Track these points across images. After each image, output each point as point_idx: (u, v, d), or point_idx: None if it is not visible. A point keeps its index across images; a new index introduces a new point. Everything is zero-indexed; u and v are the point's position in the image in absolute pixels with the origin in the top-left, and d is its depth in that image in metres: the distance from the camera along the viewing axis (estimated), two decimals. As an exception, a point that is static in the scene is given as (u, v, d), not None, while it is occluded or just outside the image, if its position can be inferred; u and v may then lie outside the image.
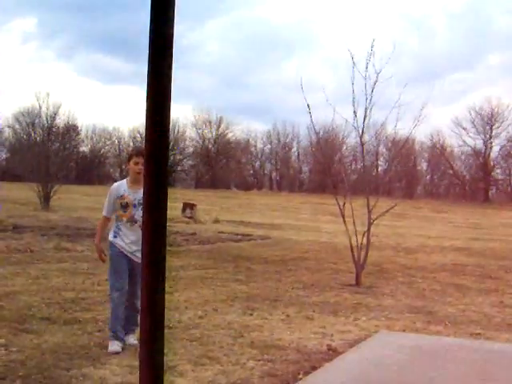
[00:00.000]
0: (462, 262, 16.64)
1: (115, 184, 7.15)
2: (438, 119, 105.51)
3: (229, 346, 6.70)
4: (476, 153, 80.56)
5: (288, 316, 8.48)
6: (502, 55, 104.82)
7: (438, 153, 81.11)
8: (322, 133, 52.46)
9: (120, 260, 6.77)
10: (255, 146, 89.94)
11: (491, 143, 79.93)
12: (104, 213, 7.01)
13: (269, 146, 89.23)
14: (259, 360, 6.19)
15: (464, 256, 18.02)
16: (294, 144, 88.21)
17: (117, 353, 6.29)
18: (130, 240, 6.75)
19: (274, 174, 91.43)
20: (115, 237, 6.84)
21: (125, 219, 6.81)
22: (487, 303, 10.42)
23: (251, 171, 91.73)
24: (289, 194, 68.28)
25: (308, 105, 12.68)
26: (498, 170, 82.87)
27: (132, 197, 6.81)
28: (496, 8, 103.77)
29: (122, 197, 6.84)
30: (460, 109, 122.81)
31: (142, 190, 4.60)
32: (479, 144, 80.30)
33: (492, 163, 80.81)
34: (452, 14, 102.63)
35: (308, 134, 68.23)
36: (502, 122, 78.89)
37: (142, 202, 6.03)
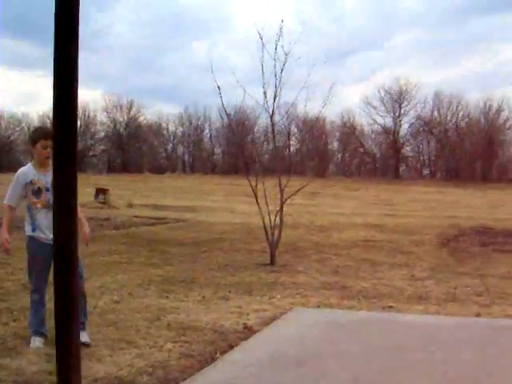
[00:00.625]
0: (373, 237, 17.03)
1: (22, 169, 6.41)
2: (348, 98, 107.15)
3: (146, 329, 6.72)
4: (386, 131, 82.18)
5: (204, 297, 8.55)
6: (409, 34, 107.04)
7: (349, 131, 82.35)
8: (233, 114, 52.77)
9: (41, 255, 6.05)
10: (167, 129, 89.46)
11: (400, 121, 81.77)
12: (8, 201, 6.28)
13: (181, 129, 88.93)
14: (176, 342, 6.24)
15: (376, 232, 18.44)
16: (206, 126, 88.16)
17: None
18: (50, 228, 6.04)
19: (186, 157, 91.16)
20: (34, 230, 6.22)
21: (39, 205, 6.18)
22: (399, 277, 10.73)
23: (164, 154, 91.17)
24: (202, 177, 68.22)
25: (218, 86, 12.73)
26: (408, 148, 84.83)
27: (44, 180, 6.20)
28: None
29: (32, 182, 6.20)
30: (370, 88, 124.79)
31: (51, 173, 4.44)
32: (389, 122, 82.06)
33: (401, 141, 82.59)
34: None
35: (220, 115, 68.62)
36: (410, 101, 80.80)
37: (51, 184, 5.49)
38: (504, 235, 17.58)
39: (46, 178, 6.16)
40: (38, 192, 6.23)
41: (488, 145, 76.21)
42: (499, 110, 78.04)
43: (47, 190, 6.19)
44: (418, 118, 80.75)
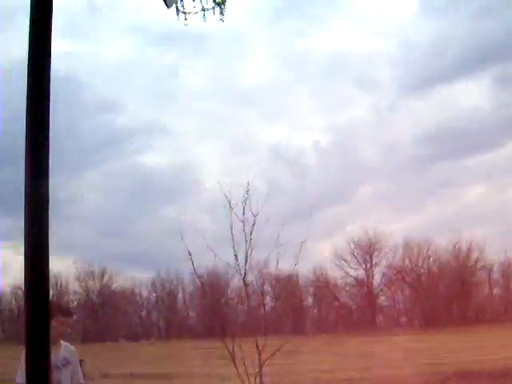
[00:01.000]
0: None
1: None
2: (319, 253, 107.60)
3: None
4: (359, 282, 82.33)
5: None
6: (372, 186, 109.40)
7: (323, 286, 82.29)
8: (206, 277, 52.74)
9: None
10: (140, 295, 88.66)
11: (373, 272, 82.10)
12: (19, 380, 5.61)
13: (154, 294, 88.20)
14: None
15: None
16: (180, 290, 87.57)
17: None
18: None
19: (161, 322, 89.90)
20: None
21: None
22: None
23: (138, 321, 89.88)
24: (178, 341, 67.05)
25: (189, 252, 12.80)
26: (383, 297, 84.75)
27: (55, 358, 5.39)
28: (363, 141, 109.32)
29: None
30: (339, 241, 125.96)
31: (62, 350, 4.48)
32: (361, 274, 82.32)
33: (376, 291, 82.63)
34: (322, 150, 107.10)
35: (192, 279, 68.47)
36: (380, 251, 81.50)
37: (65, 362, 5.50)
38: (488, 377, 17.38)
39: (56, 356, 5.72)
40: None
41: (461, 287, 76.52)
42: (469, 252, 78.96)
43: (58, 368, 5.82)
44: (390, 267, 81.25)
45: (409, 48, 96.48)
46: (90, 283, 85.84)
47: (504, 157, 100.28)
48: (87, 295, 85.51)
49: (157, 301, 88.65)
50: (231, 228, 12.68)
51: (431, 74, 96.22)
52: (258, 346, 12.34)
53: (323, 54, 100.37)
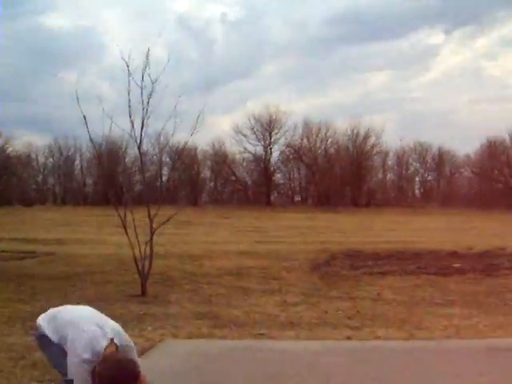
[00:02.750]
0: (246, 265, 17.03)
1: None
2: (219, 127, 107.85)
3: (9, 368, 6.40)
4: (257, 159, 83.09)
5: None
6: (278, 64, 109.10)
7: (221, 160, 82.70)
8: (104, 145, 51.96)
9: None
10: (37, 160, 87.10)
11: (271, 149, 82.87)
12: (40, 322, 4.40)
13: (51, 160, 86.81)
14: (41, 381, 5.97)
15: (248, 259, 18.46)
16: (77, 157, 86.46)
17: None
18: None
19: (57, 189, 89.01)
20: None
21: None
22: (271, 303, 10.75)
23: (34, 186, 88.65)
24: (73, 208, 66.71)
25: (84, 116, 12.42)
26: (279, 175, 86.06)
27: None
28: (272, 19, 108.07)
29: None
30: (240, 116, 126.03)
31: None
32: (260, 150, 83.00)
33: (272, 168, 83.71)
34: (230, 23, 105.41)
35: (90, 146, 67.56)
36: (280, 129, 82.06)
37: None
38: (373, 258, 17.99)
39: None
40: None
41: (356, 170, 78.48)
42: (366, 137, 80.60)
43: None
44: (288, 145, 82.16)
45: None
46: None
47: (408, 46, 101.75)
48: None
49: (53, 166, 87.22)
50: (128, 94, 12.33)
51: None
52: (149, 215, 12.31)
53: None
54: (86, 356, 3.91)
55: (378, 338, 7.75)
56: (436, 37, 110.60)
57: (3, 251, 21.31)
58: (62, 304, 10.53)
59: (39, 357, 6.91)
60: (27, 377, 6.10)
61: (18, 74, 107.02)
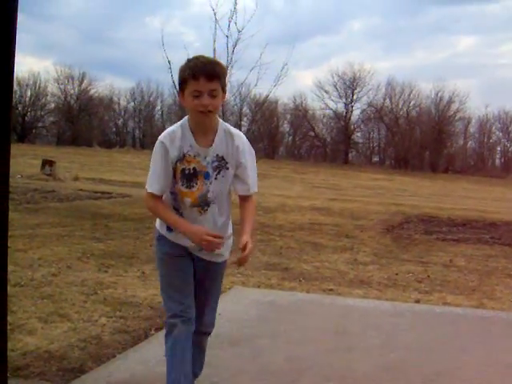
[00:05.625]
0: (319, 221, 17.03)
1: (168, 132, 3.72)
2: (301, 82, 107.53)
3: (81, 303, 6.58)
4: (337, 116, 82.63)
5: (143, 273, 8.42)
6: (364, 21, 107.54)
7: (301, 115, 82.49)
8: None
9: (179, 264, 3.84)
10: (118, 104, 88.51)
11: (352, 107, 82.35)
12: (152, 188, 3.75)
13: (132, 104, 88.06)
14: (111, 317, 6.12)
15: (322, 215, 18.46)
16: (158, 102, 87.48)
17: None
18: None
19: (137, 133, 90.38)
20: (170, 229, 3.83)
21: (189, 201, 3.72)
22: (341, 261, 10.73)
23: (114, 129, 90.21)
24: (151, 152, 67.57)
25: (169, 61, 12.55)
26: (359, 134, 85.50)
27: (203, 157, 3.67)
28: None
29: (184, 157, 3.66)
30: (323, 72, 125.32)
31: (217, 145, 3.68)
32: (341, 107, 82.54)
33: (352, 127, 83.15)
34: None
35: (172, 92, 68.11)
36: (363, 87, 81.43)
37: (218, 164, 3.69)
38: (448, 224, 17.76)
39: (208, 154, 3.68)
40: (191, 177, 3.69)
41: (437, 135, 77.23)
42: (450, 102, 79.19)
43: (207, 175, 3.70)
44: (370, 104, 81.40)
45: None
46: (69, 87, 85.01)
47: (499, 10, 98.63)
48: (65, 98, 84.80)
49: (134, 110, 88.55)
50: (214, 41, 12.36)
51: None
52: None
53: None
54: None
55: (446, 303, 7.67)
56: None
57: (80, 190, 21.84)
58: (134, 244, 10.77)
59: (110, 293, 7.11)
60: (98, 312, 6.26)
61: (105, 17, 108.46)
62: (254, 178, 3.90)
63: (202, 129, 3.70)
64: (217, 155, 3.71)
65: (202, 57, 3.65)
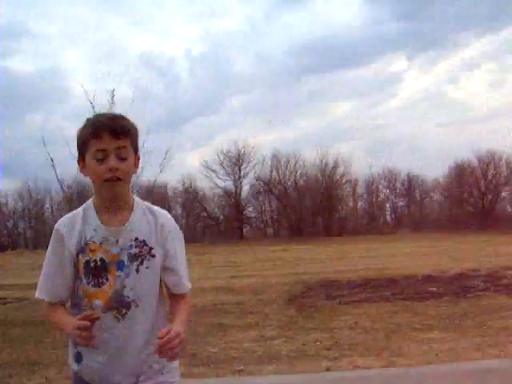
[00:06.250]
0: (222, 301, 16.89)
1: (66, 217, 3.01)
2: (189, 163, 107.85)
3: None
4: (227, 193, 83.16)
5: (47, 379, 8.10)
6: (244, 97, 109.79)
7: (191, 197, 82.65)
8: (74, 186, 51.58)
9: None
10: (6, 205, 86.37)
11: (241, 183, 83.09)
12: (41, 294, 2.99)
13: (21, 204, 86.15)
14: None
15: (224, 295, 18.33)
16: (47, 200, 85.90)
17: None
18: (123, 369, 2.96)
19: (28, 233, 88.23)
20: (79, 360, 2.97)
21: (100, 303, 2.88)
22: (248, 339, 10.63)
23: (5, 231, 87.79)
24: (45, 251, 66.00)
25: (51, 158, 12.39)
26: (250, 209, 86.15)
27: (113, 242, 2.88)
28: (236, 52, 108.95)
29: (87, 246, 2.88)
30: (209, 152, 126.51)
31: (135, 224, 2.91)
32: (230, 185, 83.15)
33: (243, 202, 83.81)
34: (194, 59, 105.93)
35: (59, 188, 67.22)
36: (249, 162, 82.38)
37: (139, 251, 2.91)
38: (349, 287, 17.96)
39: (121, 237, 2.90)
40: (98, 271, 2.87)
41: (327, 200, 78.78)
42: (335, 167, 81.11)
43: (121, 266, 2.88)
44: (258, 178, 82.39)
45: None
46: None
47: (371, 74, 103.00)
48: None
49: (23, 210, 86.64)
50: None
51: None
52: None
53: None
54: None
55: (357, 367, 7.69)
56: (399, 63, 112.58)
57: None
58: (36, 349, 10.37)
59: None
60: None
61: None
62: (186, 271, 3.18)
63: (111, 204, 2.87)
64: (135, 239, 2.89)
65: (106, 113, 3.21)
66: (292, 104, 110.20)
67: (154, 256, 2.96)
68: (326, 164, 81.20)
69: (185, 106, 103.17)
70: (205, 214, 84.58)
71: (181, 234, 3.22)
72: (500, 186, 76.77)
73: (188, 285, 3.21)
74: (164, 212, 3.19)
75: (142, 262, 2.93)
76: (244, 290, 19.49)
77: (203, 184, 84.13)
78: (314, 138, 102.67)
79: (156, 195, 64.67)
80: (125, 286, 2.89)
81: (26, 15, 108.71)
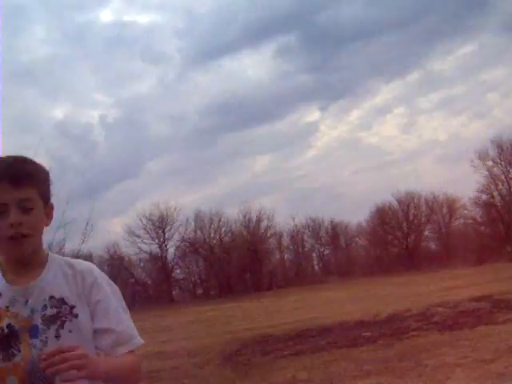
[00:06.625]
0: (156, 367, 16.52)
1: None
2: (112, 230, 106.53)
3: None
4: (153, 257, 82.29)
5: None
6: (162, 160, 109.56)
7: (117, 264, 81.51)
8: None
9: None
10: None
11: (166, 246, 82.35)
12: None
13: None
14: None
15: (158, 360, 17.94)
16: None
17: None
18: None
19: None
20: None
21: (14, 380, 2.27)
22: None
23: None
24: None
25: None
26: (178, 270, 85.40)
27: (22, 303, 2.37)
28: (150, 114, 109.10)
29: None
30: (131, 217, 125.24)
31: (48, 279, 2.41)
32: (155, 248, 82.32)
33: (170, 265, 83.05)
34: (110, 125, 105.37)
35: None
36: (172, 224, 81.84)
37: (56, 311, 2.37)
38: (284, 340, 17.84)
39: (32, 296, 2.40)
40: (7, 341, 2.31)
41: (254, 255, 78.76)
42: (259, 221, 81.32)
43: (35, 333, 2.35)
44: (183, 240, 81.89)
45: (193, 20, 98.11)
46: None
47: (287, 126, 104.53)
48: None
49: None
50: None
51: (216, 46, 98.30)
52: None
53: (105, 26, 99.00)
54: None
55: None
56: (313, 114, 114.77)
57: None
58: None
59: None
60: None
61: None
62: (127, 322, 2.60)
63: (17, 263, 2.42)
64: (50, 297, 2.37)
65: (5, 156, 2.46)
66: (212, 162, 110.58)
67: (76, 316, 2.38)
68: (250, 219, 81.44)
69: (104, 172, 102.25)
70: (132, 281, 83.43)
71: (109, 281, 2.65)
72: (422, 225, 78.33)
73: (135, 339, 2.60)
74: (85, 262, 2.63)
75: (62, 326, 2.35)
76: (178, 353, 19.15)
77: (128, 250, 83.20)
78: (236, 194, 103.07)
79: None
80: (31, 359, 2.27)
81: None
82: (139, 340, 2.63)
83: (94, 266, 2.64)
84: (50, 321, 2.35)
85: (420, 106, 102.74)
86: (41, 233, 2.49)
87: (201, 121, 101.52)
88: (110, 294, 2.58)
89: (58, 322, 2.36)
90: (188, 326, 34.21)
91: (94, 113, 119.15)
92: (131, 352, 2.54)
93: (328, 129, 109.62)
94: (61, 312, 2.37)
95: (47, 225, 2.55)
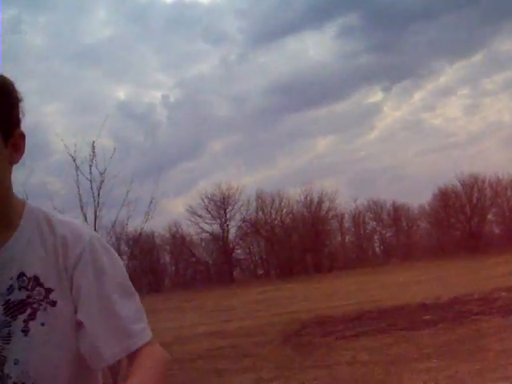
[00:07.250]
0: (217, 345, 16.70)
1: None
2: (174, 210, 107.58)
3: None
4: (215, 237, 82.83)
5: None
6: (224, 141, 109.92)
7: (179, 243, 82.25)
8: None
9: None
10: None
11: (228, 226, 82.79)
12: None
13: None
14: None
15: (219, 339, 18.12)
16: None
17: None
18: None
19: None
20: None
21: None
22: (246, 382, 10.48)
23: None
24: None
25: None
26: (239, 251, 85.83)
27: None
28: (213, 95, 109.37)
29: None
30: (193, 197, 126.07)
31: (18, 249, 1.69)
32: (216, 228, 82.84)
33: (231, 245, 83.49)
34: (172, 105, 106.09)
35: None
36: (234, 205, 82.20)
37: (27, 295, 1.67)
38: (344, 321, 17.82)
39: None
40: None
41: (315, 237, 78.60)
42: (320, 202, 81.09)
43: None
44: (244, 220, 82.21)
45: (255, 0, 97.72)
46: None
47: (350, 107, 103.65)
48: None
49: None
50: (78, 188, 12.15)
51: (278, 26, 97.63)
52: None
53: (166, 7, 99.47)
54: None
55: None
56: (376, 95, 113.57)
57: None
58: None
59: None
60: None
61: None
62: (125, 312, 1.78)
63: None
64: (20, 275, 1.69)
65: None
66: (273, 143, 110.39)
67: (54, 304, 1.68)
68: (311, 200, 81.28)
69: (166, 152, 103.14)
70: (194, 260, 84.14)
71: (107, 252, 1.78)
72: (485, 209, 76.95)
73: (135, 337, 1.83)
74: (73, 222, 1.82)
75: (32, 316, 1.66)
76: (238, 333, 19.30)
77: (190, 229, 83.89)
78: (297, 175, 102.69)
79: (143, 244, 64.44)
80: (5, 360, 1.65)
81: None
82: (144, 336, 1.88)
83: (84, 230, 1.81)
84: (15, 309, 1.66)
85: (485, 87, 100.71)
86: (5, 178, 1.74)
87: (262, 101, 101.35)
88: (105, 271, 1.74)
89: (28, 311, 1.66)
90: (248, 306, 34.44)
91: (156, 93, 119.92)
92: (141, 353, 1.83)
93: (391, 110, 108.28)
94: (32, 297, 1.67)
95: (15, 162, 1.79)
